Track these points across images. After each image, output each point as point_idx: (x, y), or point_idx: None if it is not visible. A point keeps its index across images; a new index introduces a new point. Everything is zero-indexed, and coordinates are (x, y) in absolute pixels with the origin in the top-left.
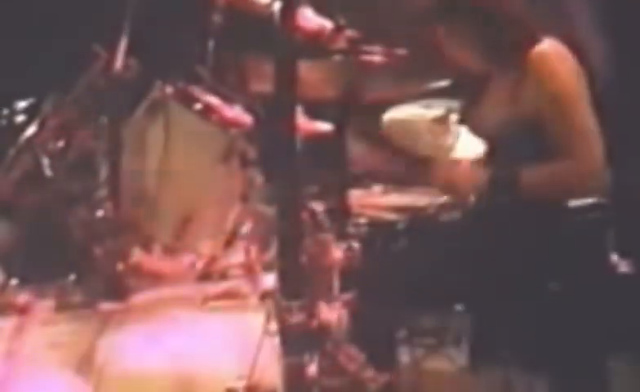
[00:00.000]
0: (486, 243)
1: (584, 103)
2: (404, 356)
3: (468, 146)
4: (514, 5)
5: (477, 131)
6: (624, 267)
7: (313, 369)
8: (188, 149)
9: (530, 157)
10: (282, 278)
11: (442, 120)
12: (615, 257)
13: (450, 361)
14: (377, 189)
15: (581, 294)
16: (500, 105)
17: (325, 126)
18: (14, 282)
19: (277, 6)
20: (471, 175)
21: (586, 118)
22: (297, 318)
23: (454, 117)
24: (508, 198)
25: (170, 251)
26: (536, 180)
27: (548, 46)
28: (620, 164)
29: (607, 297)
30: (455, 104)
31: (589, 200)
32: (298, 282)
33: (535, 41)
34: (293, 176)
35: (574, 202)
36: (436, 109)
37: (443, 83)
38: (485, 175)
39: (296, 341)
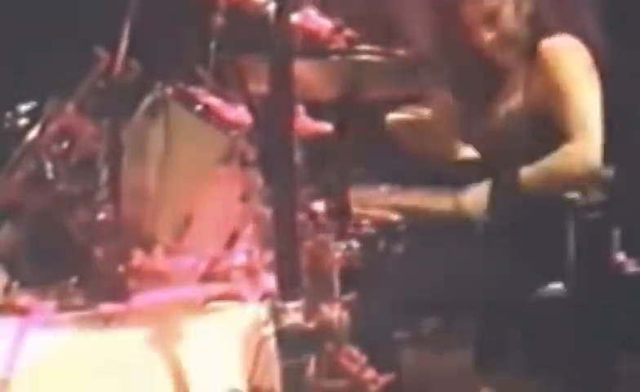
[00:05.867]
0: (489, 243)
1: (591, 93)
2: (407, 358)
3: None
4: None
5: (488, 127)
6: (631, 267)
7: (312, 371)
8: (188, 150)
9: (536, 151)
10: (281, 279)
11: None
12: (621, 257)
13: (453, 363)
14: (383, 189)
15: (587, 295)
16: (512, 99)
17: (326, 127)
18: (15, 284)
19: (272, 6)
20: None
21: (589, 106)
22: (293, 319)
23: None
24: (510, 199)
25: (171, 252)
26: (535, 175)
27: (560, 40)
28: (625, 162)
29: (614, 298)
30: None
31: (596, 199)
32: (297, 284)
33: (549, 34)
34: (290, 177)
35: (580, 202)
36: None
37: (447, 82)
38: (486, 179)
39: (294, 343)
